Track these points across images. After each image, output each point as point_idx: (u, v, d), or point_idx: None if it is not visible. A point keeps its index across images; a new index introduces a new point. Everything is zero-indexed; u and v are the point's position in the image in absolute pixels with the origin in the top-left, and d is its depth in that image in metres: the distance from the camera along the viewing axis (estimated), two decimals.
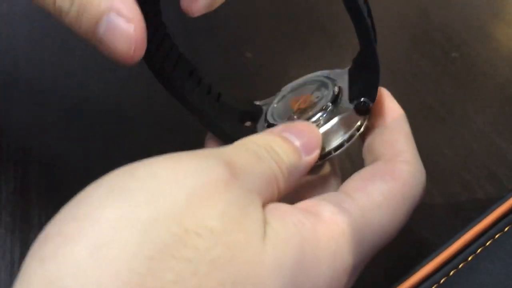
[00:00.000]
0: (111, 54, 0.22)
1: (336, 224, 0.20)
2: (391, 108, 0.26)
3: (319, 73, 0.29)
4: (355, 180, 0.23)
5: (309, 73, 0.29)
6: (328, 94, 0.26)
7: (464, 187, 0.33)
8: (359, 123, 0.25)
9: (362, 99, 0.24)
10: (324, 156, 0.24)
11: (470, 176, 0.34)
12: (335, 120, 0.25)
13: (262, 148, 0.21)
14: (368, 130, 0.26)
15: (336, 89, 0.26)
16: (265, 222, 0.18)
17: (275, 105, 0.28)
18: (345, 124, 0.25)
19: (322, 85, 0.27)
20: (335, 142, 0.25)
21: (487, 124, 0.37)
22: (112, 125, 0.38)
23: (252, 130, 0.27)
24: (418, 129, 0.37)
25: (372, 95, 0.24)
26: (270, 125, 0.27)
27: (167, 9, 0.26)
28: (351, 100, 0.25)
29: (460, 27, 0.47)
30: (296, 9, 0.50)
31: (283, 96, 0.29)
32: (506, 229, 0.24)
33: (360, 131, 0.25)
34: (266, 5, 0.50)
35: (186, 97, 0.27)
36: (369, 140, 0.26)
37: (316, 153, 0.23)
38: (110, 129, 0.37)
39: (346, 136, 0.25)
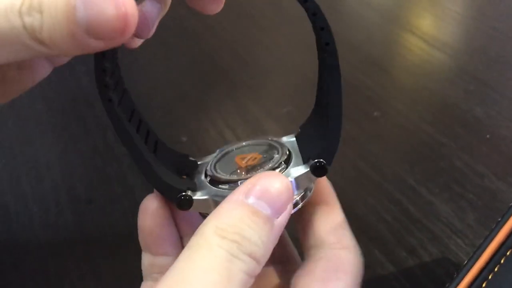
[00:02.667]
0: (104, 37, 0.18)
1: None
2: (326, 188, 0.26)
3: (263, 139, 0.27)
4: (313, 282, 0.23)
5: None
6: (278, 155, 0.25)
7: (409, 251, 0.34)
8: (311, 185, 0.24)
9: (318, 160, 0.23)
10: None
11: (413, 239, 0.35)
12: (291, 179, 0.23)
13: (233, 244, 0.19)
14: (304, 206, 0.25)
15: (287, 151, 0.25)
16: None
17: (216, 161, 0.26)
18: (299, 184, 0.23)
19: (270, 147, 0.26)
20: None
21: (417, 182, 0.39)
22: None
23: (191, 183, 0.25)
24: (356, 196, 0.38)
25: (329, 157, 0.23)
26: (213, 179, 0.25)
27: None
28: (305, 160, 0.24)
29: (376, 85, 0.50)
30: (220, 90, 0.51)
31: (226, 152, 0.27)
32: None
33: (311, 193, 0.24)
34: (190, 91, 0.51)
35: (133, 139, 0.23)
36: (307, 218, 0.26)
37: (289, 209, 0.21)
38: None
39: (299, 196, 0.24)
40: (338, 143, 0.23)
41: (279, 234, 0.21)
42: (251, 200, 0.20)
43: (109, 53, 0.21)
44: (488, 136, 0.43)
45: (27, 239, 0.36)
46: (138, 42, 0.27)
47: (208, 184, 0.24)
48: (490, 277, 0.25)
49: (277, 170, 0.24)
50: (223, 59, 0.55)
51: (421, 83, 0.51)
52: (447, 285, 0.25)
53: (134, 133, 0.23)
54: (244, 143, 0.27)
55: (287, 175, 0.23)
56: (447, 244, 0.34)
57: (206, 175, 0.25)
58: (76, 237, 0.36)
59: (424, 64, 0.53)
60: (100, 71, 0.21)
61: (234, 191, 0.21)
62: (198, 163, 0.27)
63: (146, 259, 0.25)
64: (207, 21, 0.60)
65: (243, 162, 0.25)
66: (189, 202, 0.23)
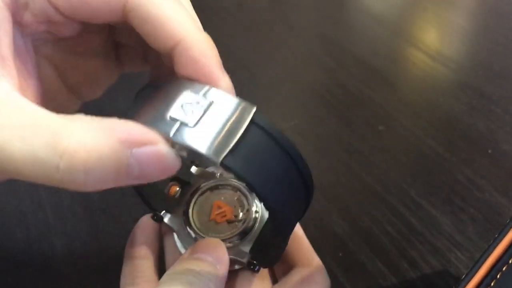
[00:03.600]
0: (146, 180, 0.19)
1: None
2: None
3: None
4: None
5: None
6: (241, 225, 0.29)
7: (411, 263, 0.35)
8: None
9: (257, 264, 0.27)
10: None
11: (415, 251, 0.36)
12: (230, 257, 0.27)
13: (189, 275, 0.24)
14: None
15: (252, 222, 0.29)
16: None
17: (201, 196, 0.31)
18: (236, 261, 0.28)
19: (245, 210, 0.30)
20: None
21: (419, 195, 0.40)
22: None
23: (172, 203, 0.30)
24: (360, 208, 0.40)
25: (268, 265, 0.28)
26: (187, 223, 0.30)
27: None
28: (252, 248, 0.28)
29: (381, 99, 0.51)
30: None
31: (215, 186, 0.31)
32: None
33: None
34: None
35: None
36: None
37: (226, 261, 0.26)
38: None
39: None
40: (276, 262, 0.28)
41: (223, 283, 0.25)
42: (196, 254, 0.25)
43: None
44: (490, 150, 0.44)
45: (43, 247, 0.37)
46: None
47: (182, 221, 0.30)
48: None
49: (231, 242, 0.29)
50: (231, 71, 0.56)
51: (424, 97, 0.52)
52: None
53: None
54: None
55: (231, 251, 0.27)
56: (447, 256, 0.36)
57: (187, 207, 0.30)
58: (91, 246, 0.37)
59: (428, 78, 0.54)
60: None
61: (186, 251, 0.26)
62: (196, 174, 0.31)
63: (127, 267, 0.29)
64: (215, 34, 0.61)
65: (215, 213, 0.30)
66: (159, 221, 0.30)
